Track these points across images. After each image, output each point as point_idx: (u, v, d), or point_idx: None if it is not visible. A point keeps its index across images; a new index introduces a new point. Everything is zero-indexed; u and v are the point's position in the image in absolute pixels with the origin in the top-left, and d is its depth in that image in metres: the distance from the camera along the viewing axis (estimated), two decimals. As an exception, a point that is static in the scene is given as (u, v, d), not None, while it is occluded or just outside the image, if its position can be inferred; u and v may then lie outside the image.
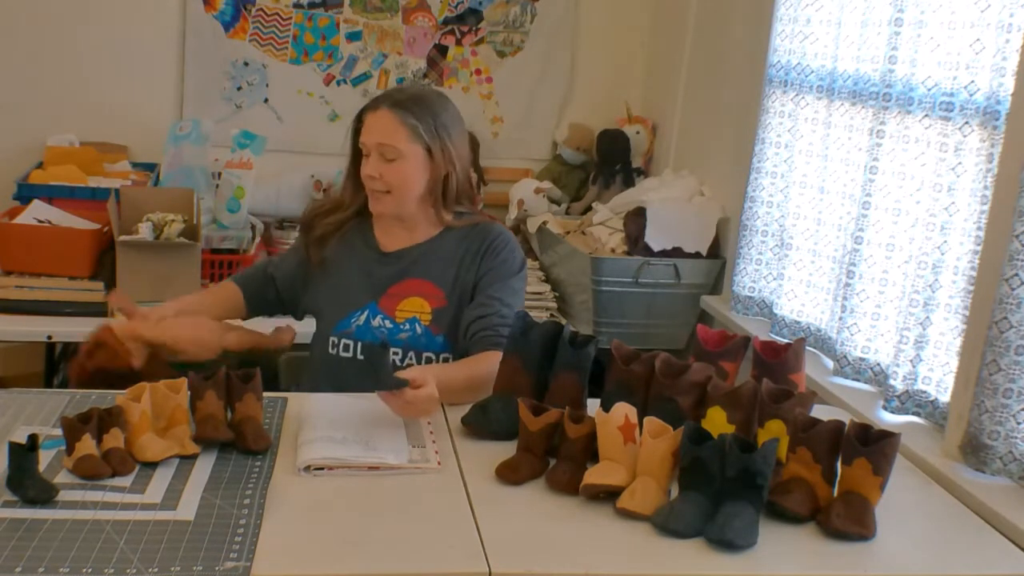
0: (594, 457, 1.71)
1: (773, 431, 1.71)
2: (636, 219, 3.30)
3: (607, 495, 1.64)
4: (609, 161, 3.84)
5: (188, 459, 1.69)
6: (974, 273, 2.10)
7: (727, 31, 3.42)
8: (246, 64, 3.82)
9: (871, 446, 1.62)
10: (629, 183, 3.81)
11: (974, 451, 1.98)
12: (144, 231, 2.87)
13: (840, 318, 2.54)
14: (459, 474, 1.73)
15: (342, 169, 3.52)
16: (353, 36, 3.88)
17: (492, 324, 2.09)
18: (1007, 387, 1.92)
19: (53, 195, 3.11)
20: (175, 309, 2.16)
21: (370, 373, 1.82)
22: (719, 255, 3.34)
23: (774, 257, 2.91)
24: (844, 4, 2.61)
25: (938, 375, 2.24)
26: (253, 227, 3.27)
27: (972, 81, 2.15)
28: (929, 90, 2.27)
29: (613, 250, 3.35)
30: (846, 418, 1.73)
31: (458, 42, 3.95)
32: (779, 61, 2.85)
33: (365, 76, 3.92)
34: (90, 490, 1.56)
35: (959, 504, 1.83)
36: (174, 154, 3.33)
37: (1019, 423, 1.93)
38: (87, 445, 1.61)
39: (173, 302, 2.22)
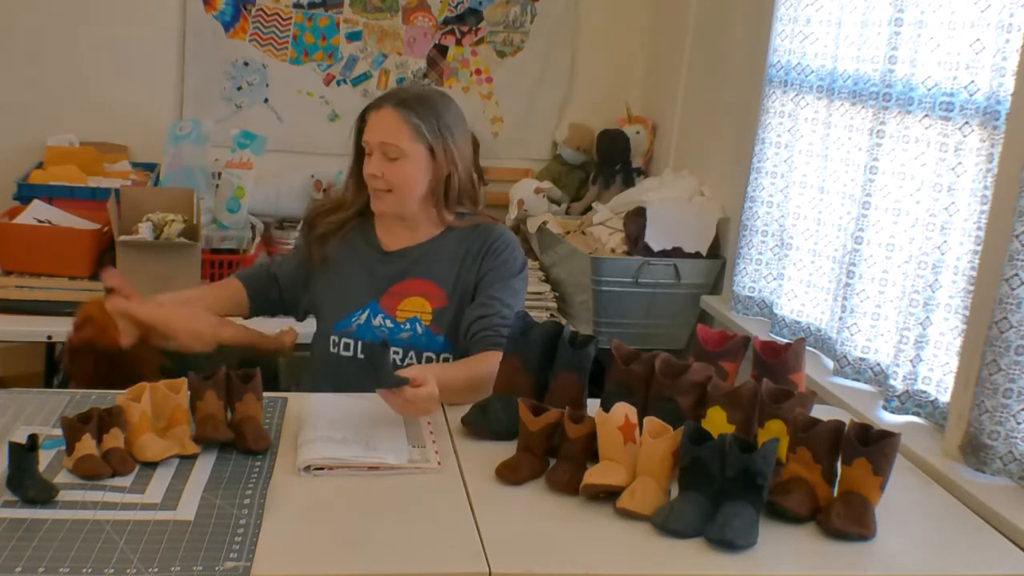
0: (594, 457, 1.71)
1: (773, 431, 1.71)
2: (636, 219, 3.30)
3: (607, 495, 1.64)
4: (609, 161, 3.84)
5: (188, 459, 1.69)
6: (974, 273, 2.10)
7: (727, 31, 3.42)
8: (246, 64, 3.82)
9: (871, 446, 1.62)
10: (629, 183, 3.81)
11: (974, 451, 1.98)
12: (144, 231, 2.87)
13: (840, 318, 2.54)
14: (459, 474, 1.73)
15: (342, 169, 3.52)
16: (353, 36, 3.88)
17: (493, 324, 2.09)
18: (1007, 387, 1.92)
19: (53, 195, 3.11)
20: (175, 299, 2.14)
21: (370, 372, 1.82)
22: (719, 255, 3.34)
23: (774, 257, 2.91)
24: (844, 4, 2.61)
25: (938, 375, 2.24)
26: (253, 227, 3.27)
27: (972, 81, 2.15)
28: (929, 90, 2.27)
29: (613, 250, 3.35)
30: (846, 418, 1.74)
31: (458, 42, 3.95)
32: (779, 61, 2.85)
33: (365, 76, 3.92)
34: (90, 490, 1.56)
35: (959, 504, 1.83)
36: (174, 154, 3.33)
37: (1019, 423, 1.93)
38: (87, 445, 1.61)
39: (175, 293, 2.20)
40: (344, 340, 2.19)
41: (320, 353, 2.24)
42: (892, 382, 2.31)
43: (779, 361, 1.92)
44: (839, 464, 1.66)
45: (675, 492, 1.64)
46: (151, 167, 3.57)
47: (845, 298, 2.52)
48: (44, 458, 1.64)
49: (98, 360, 1.93)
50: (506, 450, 1.77)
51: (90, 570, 1.36)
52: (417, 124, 2.12)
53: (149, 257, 2.83)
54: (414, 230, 2.24)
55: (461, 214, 2.24)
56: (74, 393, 1.95)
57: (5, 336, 2.81)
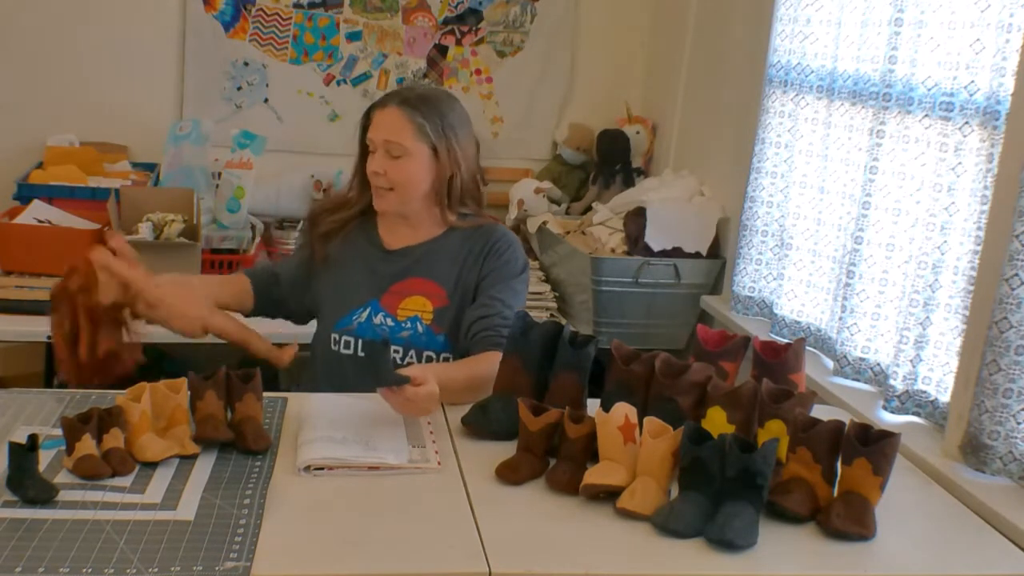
0: (594, 457, 1.71)
1: (773, 431, 1.71)
2: (636, 219, 3.30)
3: (607, 495, 1.64)
4: (609, 161, 3.84)
5: (188, 459, 1.69)
6: (974, 273, 2.10)
7: (727, 31, 3.42)
8: (246, 64, 3.82)
9: (871, 446, 1.62)
10: (629, 183, 3.81)
11: (974, 451, 1.98)
12: (144, 231, 2.87)
13: (840, 318, 2.54)
14: (459, 474, 1.73)
15: (342, 169, 3.53)
16: (353, 36, 3.88)
17: (493, 324, 2.09)
18: (1007, 387, 1.92)
19: (53, 195, 3.11)
20: (176, 279, 2.08)
21: (371, 370, 1.82)
22: (719, 255, 3.34)
23: (774, 257, 2.91)
24: (844, 4, 2.61)
25: (938, 375, 2.24)
26: (253, 227, 3.27)
27: (972, 81, 2.15)
28: (929, 90, 2.27)
29: (613, 250, 3.35)
30: (846, 418, 1.74)
31: (458, 42, 3.95)
32: (779, 61, 2.85)
33: (365, 76, 3.92)
34: (90, 490, 1.56)
35: (959, 504, 1.83)
36: (174, 154, 3.33)
37: (1019, 423, 1.93)
38: (87, 445, 1.61)
39: (179, 275, 2.15)
40: (345, 338, 2.19)
41: (321, 351, 2.24)
42: (892, 382, 2.31)
43: (779, 361, 1.92)
44: (839, 464, 1.66)
45: (675, 492, 1.64)
46: (151, 167, 3.58)
47: (845, 298, 2.52)
48: (44, 458, 1.64)
49: (74, 313, 1.88)
50: (506, 450, 1.77)
51: (90, 570, 1.36)
52: (421, 123, 2.12)
53: (149, 257, 2.76)
54: (416, 229, 2.24)
55: (464, 214, 2.24)
56: (74, 393, 1.95)
57: (5, 336, 2.80)
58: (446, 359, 2.16)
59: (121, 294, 1.91)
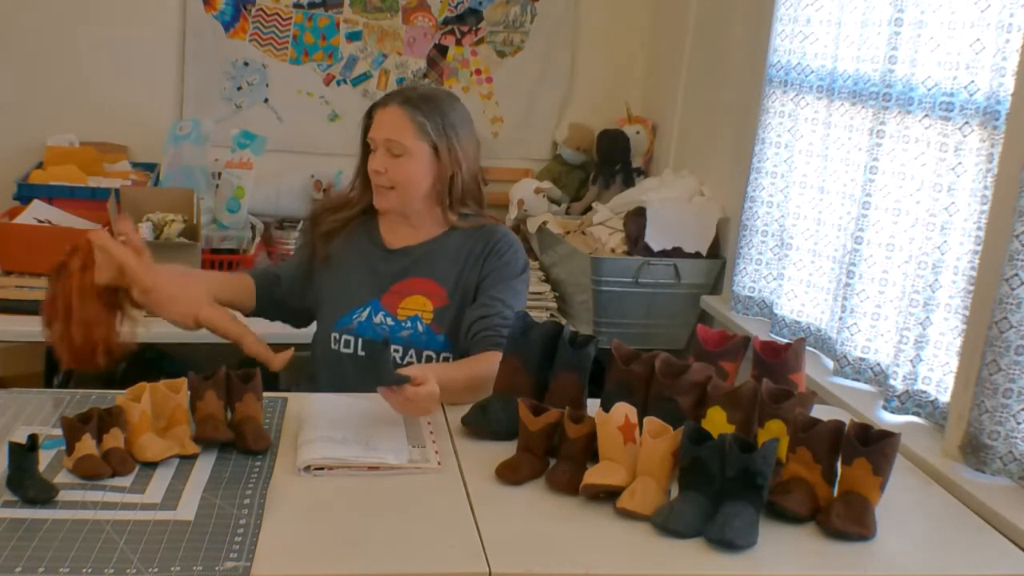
0: (594, 457, 1.71)
1: (773, 431, 1.71)
2: (636, 219, 3.30)
3: (607, 495, 1.64)
4: (609, 161, 3.84)
5: (188, 459, 1.69)
6: (974, 273, 2.10)
7: (727, 31, 3.42)
8: (246, 64, 3.82)
9: (871, 446, 1.62)
10: (629, 183, 3.81)
11: (974, 451, 1.98)
12: (144, 231, 2.87)
13: (840, 318, 2.54)
14: (459, 474, 1.73)
15: (342, 169, 3.53)
16: (353, 36, 3.88)
17: (493, 324, 2.09)
18: (1007, 387, 1.92)
19: (53, 195, 3.11)
20: (178, 269, 2.07)
21: (371, 370, 1.82)
22: (719, 255, 3.34)
23: (774, 257, 2.91)
24: (844, 4, 2.61)
25: (938, 375, 2.24)
26: (253, 227, 3.27)
27: (972, 81, 2.15)
28: (929, 90, 2.27)
29: (613, 250, 3.35)
30: (846, 418, 1.74)
31: (458, 42, 3.95)
32: (779, 61, 2.85)
33: (365, 76, 3.92)
34: (90, 490, 1.56)
35: (959, 504, 1.83)
36: (174, 154, 3.33)
37: (1019, 423, 1.93)
38: (87, 445, 1.61)
39: (182, 267, 2.14)
40: (345, 337, 2.19)
41: (321, 350, 2.24)
42: (892, 382, 2.31)
43: (779, 361, 1.92)
44: (839, 464, 1.66)
45: (675, 492, 1.64)
46: (151, 167, 3.58)
47: (845, 298, 2.52)
48: (44, 458, 1.64)
49: (69, 290, 1.88)
50: (506, 450, 1.77)
51: (90, 570, 1.36)
52: (422, 122, 2.13)
53: (149, 257, 2.82)
54: (417, 229, 2.24)
55: (465, 215, 2.24)
56: (74, 393, 1.95)
57: (5, 336, 2.80)
58: (446, 359, 2.17)
59: (117, 277, 1.90)
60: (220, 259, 3.06)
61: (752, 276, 2.98)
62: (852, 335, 2.49)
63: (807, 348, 2.03)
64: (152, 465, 1.65)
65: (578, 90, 4.10)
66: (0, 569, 1.35)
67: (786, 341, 2.00)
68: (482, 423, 1.86)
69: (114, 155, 3.59)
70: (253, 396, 1.77)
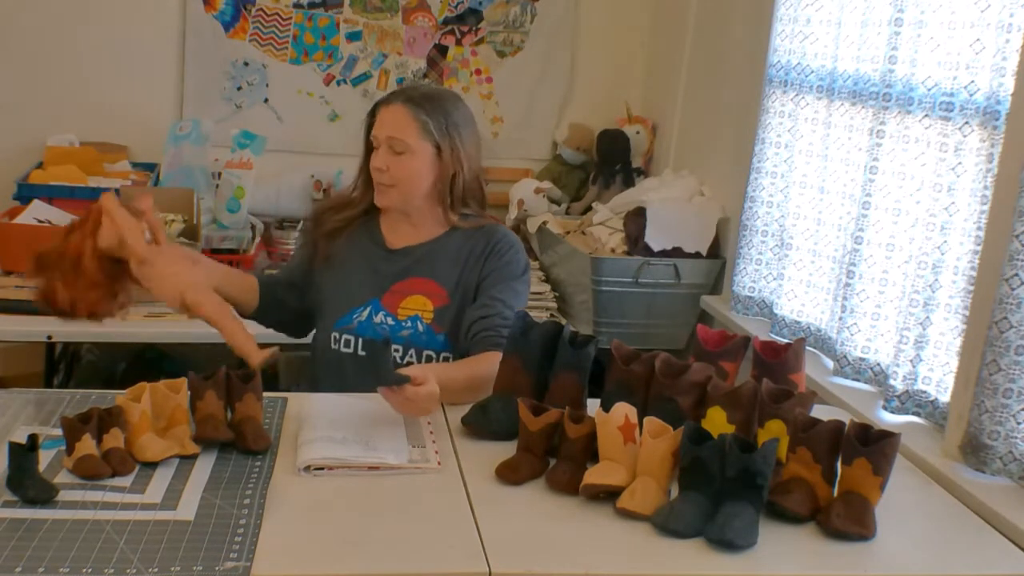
0: (594, 457, 1.71)
1: (773, 431, 1.71)
2: (636, 219, 3.31)
3: (607, 495, 1.64)
4: (609, 161, 3.84)
5: (188, 459, 1.69)
6: (974, 273, 2.10)
7: (727, 31, 3.42)
8: (246, 64, 3.82)
9: (871, 446, 1.62)
10: (629, 183, 3.81)
11: (974, 451, 1.98)
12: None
13: (840, 318, 2.54)
14: (459, 474, 1.73)
15: (342, 169, 3.53)
16: (353, 36, 3.89)
17: (494, 325, 2.09)
18: (1007, 387, 1.92)
19: (53, 195, 3.11)
20: (188, 254, 2.06)
21: (371, 369, 1.82)
22: (719, 255, 3.34)
23: (774, 257, 2.91)
24: (844, 4, 2.61)
25: (938, 375, 2.24)
26: (253, 227, 3.27)
27: (972, 81, 2.15)
28: (929, 90, 2.27)
29: (613, 250, 3.35)
30: (846, 418, 1.73)
31: (458, 42, 3.96)
32: (779, 61, 2.85)
33: (365, 76, 3.92)
34: (90, 490, 1.56)
35: (959, 504, 1.83)
36: (174, 154, 3.33)
37: (1019, 423, 1.93)
38: (87, 445, 1.61)
39: (192, 252, 2.12)
40: (345, 337, 2.19)
41: (321, 350, 2.24)
42: (892, 382, 2.31)
43: (779, 361, 1.92)
44: (839, 464, 1.66)
45: (675, 492, 1.64)
46: (151, 167, 3.58)
47: (845, 298, 2.52)
48: (44, 458, 1.64)
49: (69, 248, 1.86)
50: (506, 450, 1.77)
51: (90, 570, 1.36)
52: (425, 121, 2.13)
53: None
54: (419, 228, 2.24)
55: (466, 215, 2.24)
56: (74, 393, 1.95)
57: (5, 336, 2.80)
58: (446, 359, 2.17)
59: (119, 247, 1.88)
60: (220, 259, 3.02)
61: (752, 276, 2.98)
62: (852, 335, 2.49)
63: (807, 348, 2.03)
64: (152, 465, 1.66)
65: (578, 90, 4.10)
66: (0, 569, 1.35)
67: (786, 341, 2.00)
68: (482, 423, 1.86)
69: (114, 155, 3.59)
70: (253, 396, 1.77)
